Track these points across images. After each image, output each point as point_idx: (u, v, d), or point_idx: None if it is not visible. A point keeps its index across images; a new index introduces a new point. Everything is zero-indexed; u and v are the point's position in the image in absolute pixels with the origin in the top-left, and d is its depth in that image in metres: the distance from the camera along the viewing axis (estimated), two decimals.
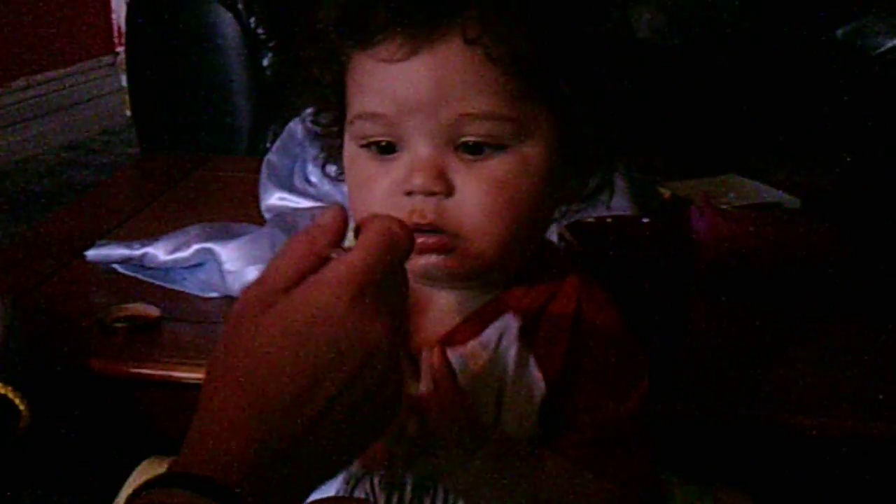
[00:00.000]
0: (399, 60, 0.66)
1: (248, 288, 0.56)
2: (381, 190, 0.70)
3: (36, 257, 1.39)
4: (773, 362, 1.13)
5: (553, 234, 0.92)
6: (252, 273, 1.25)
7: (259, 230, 1.35)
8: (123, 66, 2.64)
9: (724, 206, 1.39)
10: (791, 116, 2.00)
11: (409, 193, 0.68)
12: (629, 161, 1.41)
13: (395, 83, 0.67)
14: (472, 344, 0.73)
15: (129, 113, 2.60)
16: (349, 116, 0.72)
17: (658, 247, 1.04)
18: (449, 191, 0.68)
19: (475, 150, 0.68)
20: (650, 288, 1.00)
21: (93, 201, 1.75)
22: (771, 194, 1.55)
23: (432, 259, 0.70)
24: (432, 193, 0.68)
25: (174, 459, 0.90)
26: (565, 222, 0.89)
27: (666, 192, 1.52)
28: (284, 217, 1.40)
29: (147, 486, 0.50)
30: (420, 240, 0.67)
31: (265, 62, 2.06)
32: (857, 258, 1.32)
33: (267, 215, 1.47)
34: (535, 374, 0.73)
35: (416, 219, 0.68)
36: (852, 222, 1.38)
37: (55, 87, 3.15)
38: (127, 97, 2.46)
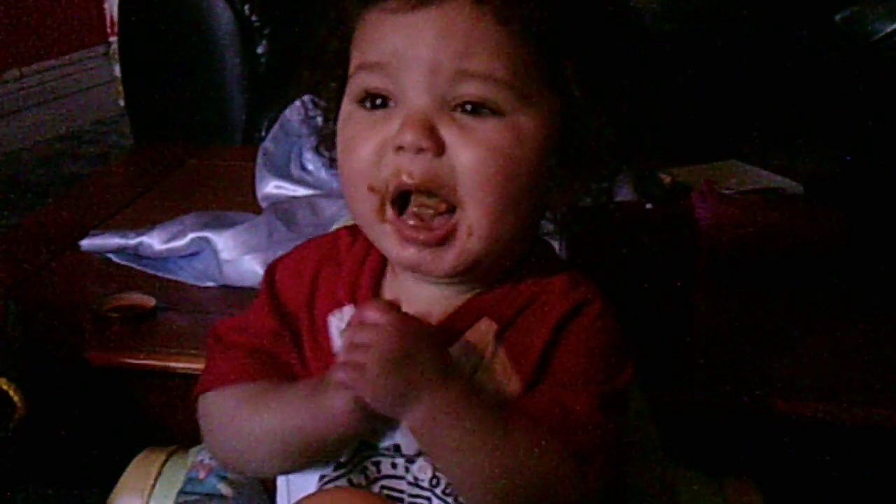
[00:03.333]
0: (406, 11, 0.66)
1: None
2: (370, 147, 0.68)
3: (30, 248, 1.39)
4: (776, 349, 1.12)
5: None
6: (248, 262, 1.24)
7: (255, 218, 1.34)
8: (116, 56, 2.62)
9: (726, 192, 1.38)
10: (791, 102, 1.98)
11: (398, 149, 0.66)
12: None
13: (399, 34, 0.66)
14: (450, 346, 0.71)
15: (122, 103, 2.58)
16: (351, 71, 0.70)
17: (661, 233, 1.03)
18: (440, 149, 0.66)
19: (471, 111, 0.66)
20: (654, 274, 0.99)
21: (87, 191, 1.74)
22: (773, 179, 1.55)
23: (426, 255, 0.68)
24: (421, 150, 0.66)
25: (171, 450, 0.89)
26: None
27: (667, 179, 1.51)
28: (281, 205, 1.39)
29: None
30: (414, 234, 0.67)
31: (259, 50, 2.04)
32: (859, 243, 1.31)
33: (263, 204, 1.46)
34: (510, 371, 0.71)
35: (403, 178, 0.67)
36: (854, 207, 1.37)
37: (48, 78, 3.13)
38: (120, 87, 2.44)
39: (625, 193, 1.32)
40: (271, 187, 1.48)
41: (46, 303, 1.21)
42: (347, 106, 0.71)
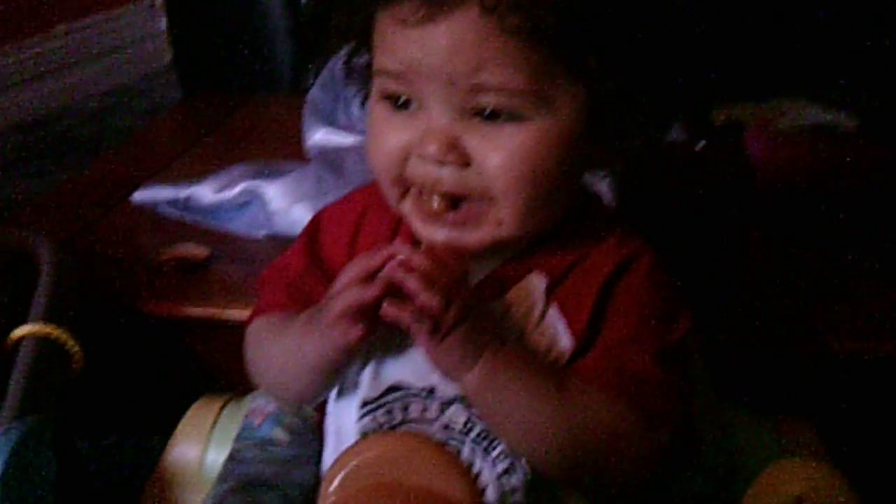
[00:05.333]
0: (416, 24, 0.65)
1: None
2: (394, 145, 0.69)
3: (83, 202, 1.40)
4: (832, 289, 1.10)
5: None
6: (298, 211, 1.25)
7: (304, 167, 1.34)
8: (163, 9, 2.62)
9: (779, 130, 1.36)
10: (845, 32, 1.94)
11: (422, 156, 0.67)
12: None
13: (411, 46, 0.66)
14: (495, 303, 0.71)
15: (170, 56, 2.58)
16: (374, 69, 0.71)
17: (714, 173, 1.02)
18: (465, 161, 0.66)
19: (492, 116, 0.66)
20: (707, 215, 0.98)
21: (137, 144, 1.75)
22: (827, 116, 1.51)
23: (454, 234, 0.69)
24: (446, 163, 0.66)
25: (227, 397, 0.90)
26: None
27: (719, 118, 1.48)
28: (329, 154, 1.39)
29: None
30: (438, 217, 0.68)
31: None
32: None
33: (311, 152, 1.46)
34: (562, 329, 0.71)
35: (431, 185, 0.68)
36: None
37: (95, 32, 3.14)
38: (167, 40, 2.44)
39: (676, 134, 1.30)
40: (319, 136, 1.48)
41: (101, 255, 1.22)
42: (374, 97, 0.71)
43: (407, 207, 0.71)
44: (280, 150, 1.51)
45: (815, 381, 1.02)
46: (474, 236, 0.69)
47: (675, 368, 0.70)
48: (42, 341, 0.95)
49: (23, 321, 0.96)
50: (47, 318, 0.97)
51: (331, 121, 1.49)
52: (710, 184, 1.01)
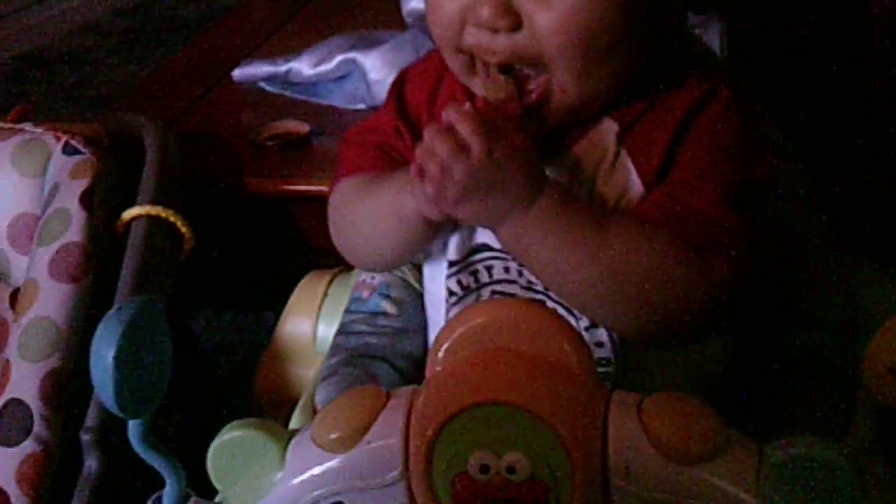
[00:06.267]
0: None
1: None
2: (450, 11, 0.67)
3: (184, 82, 1.40)
4: None
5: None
6: None
7: (401, 35, 1.31)
8: None
9: None
10: None
11: (476, 23, 0.65)
12: None
13: None
14: (567, 153, 0.69)
15: None
16: None
17: (832, 13, 0.97)
18: (516, 24, 0.64)
19: None
20: (826, 59, 0.93)
21: (235, 21, 1.75)
22: None
23: (520, 112, 0.67)
24: (498, 28, 0.64)
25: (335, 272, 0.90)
26: None
27: None
28: (427, 20, 1.35)
29: None
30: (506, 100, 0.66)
31: None
32: None
33: (409, 19, 1.43)
34: (632, 174, 0.68)
35: (482, 54, 0.66)
36: None
37: None
38: None
39: None
40: (416, 1, 1.45)
41: (204, 135, 1.23)
42: None
43: (477, 88, 0.69)
44: (376, 19, 1.48)
45: None
46: (545, 113, 0.67)
47: (740, 207, 0.67)
48: (152, 222, 0.96)
49: (132, 203, 0.98)
50: (156, 200, 0.98)
51: None
52: (828, 25, 0.95)
